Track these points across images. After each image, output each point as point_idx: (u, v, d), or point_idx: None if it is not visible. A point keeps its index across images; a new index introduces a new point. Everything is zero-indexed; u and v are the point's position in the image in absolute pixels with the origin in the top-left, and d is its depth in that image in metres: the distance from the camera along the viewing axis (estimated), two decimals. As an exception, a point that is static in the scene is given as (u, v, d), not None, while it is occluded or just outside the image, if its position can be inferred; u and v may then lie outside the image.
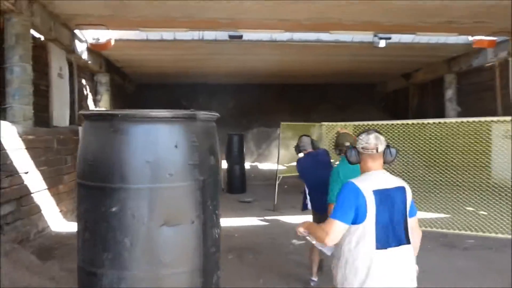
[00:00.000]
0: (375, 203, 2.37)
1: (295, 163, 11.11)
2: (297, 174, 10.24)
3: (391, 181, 2.49)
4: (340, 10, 8.15)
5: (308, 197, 4.69)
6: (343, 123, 4.66)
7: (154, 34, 10.22)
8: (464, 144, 8.18)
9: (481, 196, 8.08)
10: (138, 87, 18.38)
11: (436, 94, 14.76)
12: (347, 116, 16.78)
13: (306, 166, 4.68)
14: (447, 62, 13.42)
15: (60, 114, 8.90)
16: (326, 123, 4.72)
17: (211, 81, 17.88)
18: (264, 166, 14.34)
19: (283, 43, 11.17)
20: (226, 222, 7.40)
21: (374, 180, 2.44)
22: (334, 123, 4.71)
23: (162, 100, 17.76)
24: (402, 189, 2.49)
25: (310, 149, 4.73)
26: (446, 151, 8.66)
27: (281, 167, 9.47)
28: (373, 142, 2.46)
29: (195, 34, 10.41)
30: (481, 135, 8.32)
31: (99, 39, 9.90)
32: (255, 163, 14.30)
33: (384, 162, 2.53)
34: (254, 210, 8.66)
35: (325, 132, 4.92)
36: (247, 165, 13.23)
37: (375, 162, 2.50)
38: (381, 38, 10.30)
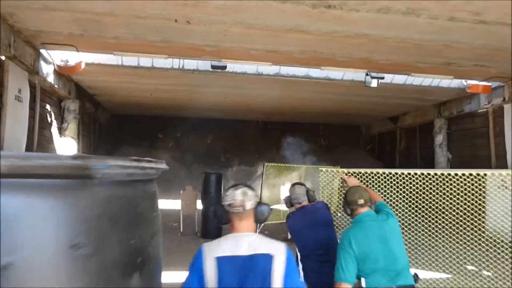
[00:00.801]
0: (218, 271, 2.10)
1: (278, 206, 10.31)
2: (279, 221, 9.38)
3: (256, 247, 2.14)
4: (335, 43, 7.51)
5: (300, 264, 3.62)
6: (345, 170, 3.79)
7: (130, 60, 9.36)
8: (457, 195, 7.41)
9: (479, 253, 7.25)
10: (113, 117, 17.33)
11: (425, 138, 14.24)
12: (333, 158, 16.14)
13: (300, 224, 3.66)
14: (437, 106, 12.99)
15: (14, 140, 7.78)
16: (324, 168, 3.85)
17: (190, 114, 17.01)
18: (243, 207, 13.30)
19: (269, 77, 10.49)
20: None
21: (229, 244, 2.17)
22: (333, 168, 3.88)
23: (138, 132, 16.77)
24: (267, 257, 2.12)
25: (305, 202, 3.73)
26: (437, 201, 7.89)
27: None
28: (240, 198, 2.21)
29: (175, 62, 9.61)
30: (475, 186, 7.63)
31: (68, 61, 8.94)
32: (233, 204, 13.26)
33: (256, 222, 2.27)
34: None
35: (323, 180, 4.03)
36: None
37: (242, 221, 2.22)
38: (373, 77, 9.70)
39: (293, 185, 3.85)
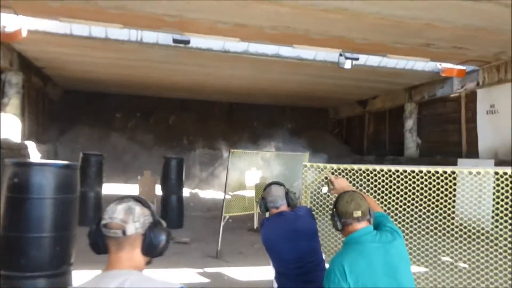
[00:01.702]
0: None
1: (242, 192, 9.63)
2: (244, 212, 8.72)
3: None
4: (311, 18, 6.82)
5: (275, 284, 2.93)
6: (334, 166, 3.11)
7: (80, 28, 8.28)
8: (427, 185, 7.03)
9: (450, 242, 6.93)
10: (66, 94, 15.95)
11: (394, 123, 13.97)
12: (301, 142, 15.64)
13: (276, 234, 2.85)
14: (408, 90, 12.67)
15: None
16: (309, 164, 3.18)
17: (151, 93, 15.92)
18: (206, 193, 12.58)
19: (236, 55, 9.68)
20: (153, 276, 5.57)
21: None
22: (319, 165, 3.22)
23: (93, 110, 15.56)
24: None
25: (283, 207, 2.94)
26: (405, 193, 7.50)
27: (227, 196, 7.87)
28: (119, 217, 1.50)
29: (132, 34, 8.63)
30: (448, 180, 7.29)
31: (5, 27, 7.76)
32: (196, 190, 12.51)
33: (146, 254, 1.53)
34: (192, 256, 6.84)
35: (307, 177, 3.28)
36: (187, 192, 11.40)
37: (120, 252, 1.51)
38: (347, 58, 9.13)
39: (269, 185, 3.04)
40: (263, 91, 14.59)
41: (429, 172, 5.29)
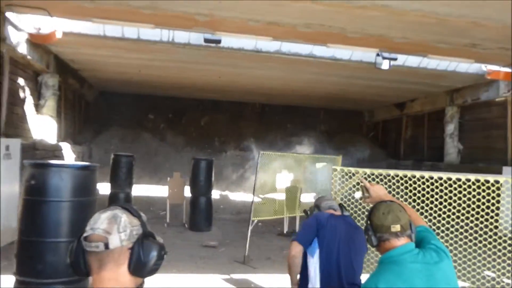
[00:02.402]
0: None
1: (272, 195, 9.35)
2: (273, 216, 8.43)
3: None
4: (347, 16, 6.50)
5: (313, 275, 2.75)
6: (367, 171, 2.79)
7: (113, 29, 8.31)
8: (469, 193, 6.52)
9: (493, 255, 6.39)
10: (101, 95, 16.24)
11: (433, 127, 13.32)
12: (334, 145, 15.23)
13: (332, 225, 2.79)
14: (449, 93, 12.02)
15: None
16: (339, 168, 2.89)
17: (183, 94, 15.95)
18: (236, 196, 12.41)
19: (268, 55, 9.45)
20: (179, 281, 5.39)
21: None
22: (350, 168, 2.91)
23: (126, 111, 15.76)
24: None
25: (338, 212, 2.95)
26: (445, 201, 7.00)
27: (256, 198, 7.63)
28: (102, 227, 1.23)
29: (164, 34, 8.58)
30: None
31: (40, 29, 7.88)
32: (226, 192, 12.36)
33: (133, 273, 1.24)
34: (219, 260, 6.65)
35: (334, 182, 2.94)
36: (216, 194, 11.26)
37: (102, 271, 1.23)
38: (385, 58, 8.70)
39: (321, 196, 3.12)
40: (295, 92, 14.29)
41: (468, 180, 4.84)
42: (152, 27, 7.70)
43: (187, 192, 9.16)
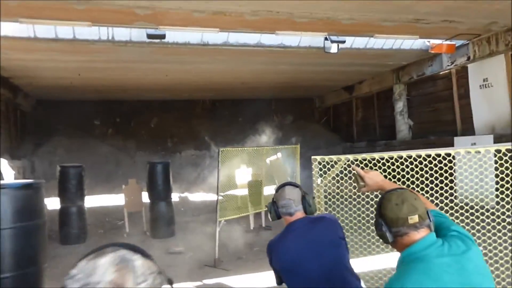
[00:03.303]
0: None
1: (234, 191, 9.08)
2: (238, 215, 8.17)
3: None
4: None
5: None
6: (358, 156, 2.55)
7: (44, 30, 7.60)
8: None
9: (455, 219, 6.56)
10: (39, 104, 15.11)
11: (383, 106, 13.61)
12: (289, 134, 15.19)
13: (296, 250, 2.27)
14: (395, 71, 12.29)
15: None
16: (319, 158, 2.61)
17: (129, 96, 15.22)
18: (196, 196, 12.02)
19: (216, 48, 9.11)
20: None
21: None
22: (332, 157, 2.62)
23: (69, 119, 14.79)
24: None
25: (299, 213, 2.40)
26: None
27: (216, 196, 7.33)
28: (110, 279, 0.84)
29: (102, 32, 7.98)
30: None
31: (-41, 35, 7.06)
32: (185, 194, 11.93)
33: None
34: (189, 267, 6.31)
35: (315, 173, 2.64)
36: (176, 196, 10.82)
37: None
38: (333, 42, 8.64)
39: (282, 186, 2.50)
40: (245, 84, 14.04)
41: (429, 155, 4.83)
42: (88, 25, 7.10)
43: (145, 198, 8.69)
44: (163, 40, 7.84)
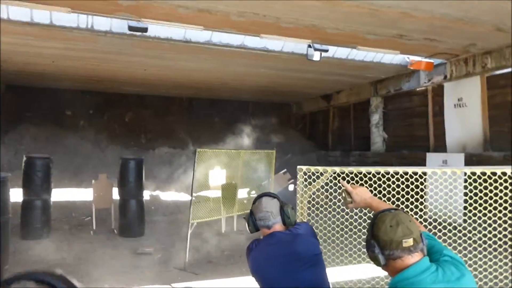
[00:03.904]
0: None
1: (206, 193, 8.93)
2: (216, 217, 8.05)
3: None
4: (282, 5, 6.27)
5: None
6: (344, 169, 2.48)
7: (19, 12, 7.24)
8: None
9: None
10: (9, 90, 14.46)
11: (359, 118, 13.77)
12: (264, 139, 15.13)
13: (267, 262, 2.26)
14: (373, 84, 12.46)
15: None
16: (304, 168, 2.53)
17: (104, 88, 14.79)
18: (168, 195, 11.78)
19: (198, 46, 8.96)
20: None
21: None
22: (318, 168, 2.50)
23: (39, 108, 14.23)
24: None
25: (277, 226, 2.35)
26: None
27: (189, 197, 7.14)
28: None
29: (81, 20, 7.68)
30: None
31: None
32: (156, 192, 11.67)
33: None
34: (157, 269, 6.13)
35: (300, 183, 2.55)
36: (147, 195, 10.56)
37: None
38: (316, 50, 8.68)
39: (260, 197, 2.44)
40: (224, 85, 13.92)
41: (406, 173, 4.87)
42: (67, 11, 6.82)
43: (116, 194, 8.42)
44: (144, 33, 7.67)
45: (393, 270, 1.58)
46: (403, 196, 3.83)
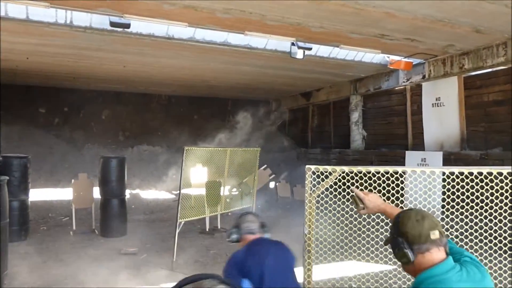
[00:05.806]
0: None
1: (188, 190, 8.84)
2: (203, 216, 7.98)
3: None
4: (269, 2, 6.26)
5: None
6: (345, 169, 2.47)
7: (-6, 7, 6.94)
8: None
9: None
10: (-23, 86, 13.87)
11: (339, 115, 13.93)
12: (245, 137, 15.12)
13: (262, 259, 2.57)
14: (353, 82, 12.63)
15: None
16: (313, 167, 2.52)
17: (80, 85, 14.39)
18: (148, 194, 11.60)
19: (181, 42, 8.83)
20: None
21: None
22: (327, 167, 2.46)
23: (11, 105, 13.74)
24: None
25: (259, 234, 2.88)
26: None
27: (169, 195, 7.11)
28: None
29: (60, 15, 7.44)
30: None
31: None
32: (137, 191, 11.47)
33: None
34: (144, 269, 6.03)
35: (308, 183, 2.51)
36: (126, 193, 10.37)
37: None
38: (300, 48, 8.74)
39: (245, 214, 2.97)
40: (205, 82, 13.80)
41: (396, 172, 4.95)
42: (46, 6, 6.60)
43: (96, 194, 8.23)
44: (126, 29, 7.50)
45: (420, 267, 1.59)
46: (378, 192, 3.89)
